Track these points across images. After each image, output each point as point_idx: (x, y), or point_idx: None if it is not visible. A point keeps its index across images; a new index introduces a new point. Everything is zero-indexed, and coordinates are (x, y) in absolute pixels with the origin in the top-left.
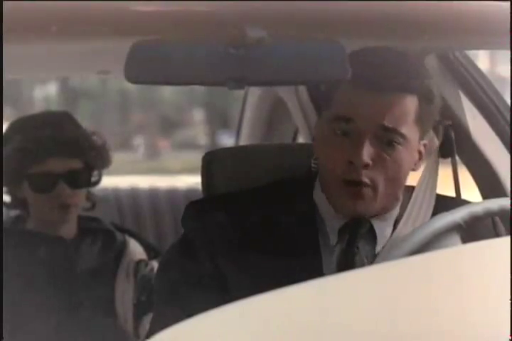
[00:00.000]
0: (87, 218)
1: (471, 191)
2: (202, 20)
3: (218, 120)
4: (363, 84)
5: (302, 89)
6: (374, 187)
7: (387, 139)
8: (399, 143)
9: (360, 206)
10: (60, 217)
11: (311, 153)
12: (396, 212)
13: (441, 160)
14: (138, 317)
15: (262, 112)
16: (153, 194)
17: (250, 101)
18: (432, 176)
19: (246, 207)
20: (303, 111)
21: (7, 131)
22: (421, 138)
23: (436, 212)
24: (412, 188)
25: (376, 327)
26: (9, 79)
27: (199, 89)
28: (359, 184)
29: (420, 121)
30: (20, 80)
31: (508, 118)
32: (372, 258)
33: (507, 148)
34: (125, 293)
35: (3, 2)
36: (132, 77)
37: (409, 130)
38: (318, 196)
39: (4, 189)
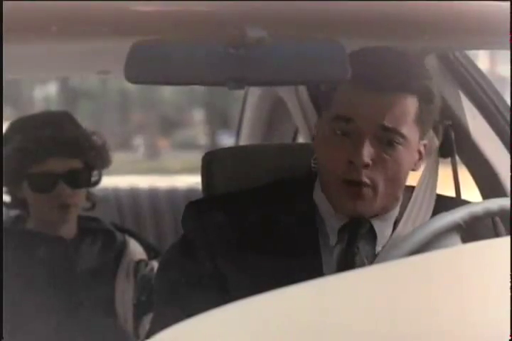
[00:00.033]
0: (87, 218)
1: (471, 191)
2: (202, 20)
3: (218, 120)
4: (363, 84)
5: (302, 89)
6: (374, 187)
7: (387, 139)
8: (399, 143)
9: (360, 206)
10: (60, 217)
11: (311, 153)
12: (396, 212)
13: (441, 160)
14: (138, 317)
15: (262, 112)
16: (153, 194)
17: (250, 101)
18: (431, 176)
19: (246, 207)
20: (303, 111)
21: (7, 131)
22: (421, 138)
23: (436, 212)
24: (412, 188)
25: (376, 327)
26: (9, 79)
27: (199, 89)
28: (359, 184)
29: (420, 121)
30: (20, 80)
31: (508, 118)
32: (373, 259)
33: (507, 148)
34: (125, 293)
35: (3, 2)
36: (132, 77)
37: (409, 130)
38: (318, 196)
39: (4, 189)
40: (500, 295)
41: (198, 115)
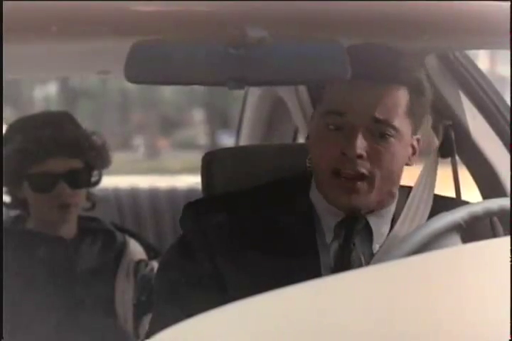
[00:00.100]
0: (87, 218)
1: (471, 191)
2: (202, 20)
3: (218, 120)
4: (354, 78)
5: (302, 89)
6: (370, 180)
7: (380, 132)
8: (391, 136)
9: (354, 199)
10: (60, 217)
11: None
12: (392, 208)
13: (441, 160)
14: (138, 317)
15: (262, 112)
16: (153, 194)
17: (250, 101)
18: (430, 176)
19: (244, 207)
20: (303, 111)
21: (7, 131)
22: (414, 132)
23: (435, 212)
24: (410, 188)
25: (375, 327)
26: (9, 79)
27: (199, 89)
28: (354, 177)
29: (412, 113)
30: (20, 80)
31: (508, 118)
32: (369, 255)
33: (507, 148)
34: (125, 293)
35: (3, 2)
36: (132, 77)
37: (401, 122)
38: (315, 195)
39: (4, 189)
40: (500, 295)
41: (198, 115)
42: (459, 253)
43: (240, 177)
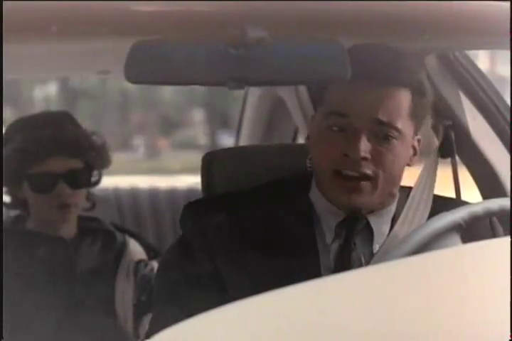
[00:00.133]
0: (87, 218)
1: (471, 191)
2: (202, 20)
3: (218, 120)
4: (356, 79)
5: (302, 89)
6: (373, 181)
7: (383, 133)
8: (394, 137)
9: (356, 199)
10: (60, 217)
11: (308, 153)
12: (393, 208)
13: (441, 160)
14: (138, 317)
15: (262, 112)
16: (153, 194)
17: (250, 101)
18: (430, 176)
19: (244, 207)
20: (303, 111)
21: (7, 131)
22: (415, 133)
23: (435, 212)
24: (410, 189)
25: (375, 327)
26: (9, 79)
27: (199, 89)
28: (357, 178)
29: (414, 115)
30: (20, 80)
31: (508, 118)
32: (369, 255)
33: (507, 148)
34: (125, 293)
35: (3, 2)
36: (132, 77)
37: (404, 124)
38: (315, 195)
39: (4, 189)
40: (500, 295)
41: (198, 115)
42: (459, 253)
43: (240, 178)
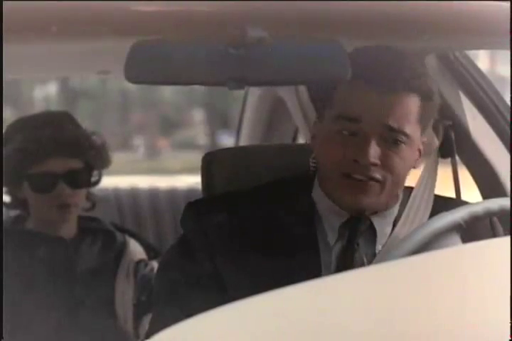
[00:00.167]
0: (87, 218)
1: (471, 191)
2: (202, 20)
3: (218, 120)
4: (365, 84)
5: (302, 89)
6: (381, 183)
7: (392, 138)
8: (403, 142)
9: (362, 199)
10: (60, 217)
11: (310, 153)
12: (396, 210)
13: (441, 160)
14: (138, 317)
15: (262, 112)
16: (153, 194)
17: (250, 101)
18: (430, 176)
19: (244, 207)
20: (303, 111)
21: (7, 131)
22: (421, 135)
23: (435, 212)
24: (411, 189)
25: (375, 327)
26: (9, 79)
27: (199, 89)
28: (365, 180)
29: (421, 119)
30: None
31: (508, 118)
32: (372, 256)
33: (507, 148)
34: (125, 293)
35: (3, 2)
36: (132, 77)
37: (412, 129)
38: (317, 195)
39: (4, 189)
40: (500, 295)
41: (198, 115)
42: (459, 253)
43: (240, 178)
